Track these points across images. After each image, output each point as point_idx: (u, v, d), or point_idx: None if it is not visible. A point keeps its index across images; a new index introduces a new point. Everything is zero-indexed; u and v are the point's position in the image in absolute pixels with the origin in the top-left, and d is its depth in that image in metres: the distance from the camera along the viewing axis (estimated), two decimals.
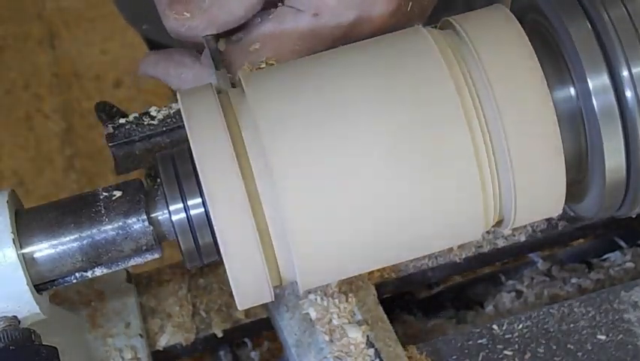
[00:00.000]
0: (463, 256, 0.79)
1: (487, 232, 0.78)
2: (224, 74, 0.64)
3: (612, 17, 0.59)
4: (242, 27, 0.68)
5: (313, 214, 0.57)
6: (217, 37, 0.68)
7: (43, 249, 0.59)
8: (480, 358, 0.70)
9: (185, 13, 0.66)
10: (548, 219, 0.79)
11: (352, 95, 0.58)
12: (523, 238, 0.79)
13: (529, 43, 0.59)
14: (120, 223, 0.59)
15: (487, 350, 0.70)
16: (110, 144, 0.65)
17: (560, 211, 0.62)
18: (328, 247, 0.58)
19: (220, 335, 0.78)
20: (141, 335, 0.75)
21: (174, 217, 0.59)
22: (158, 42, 1.12)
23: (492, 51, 0.59)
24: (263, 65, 0.66)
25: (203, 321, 0.78)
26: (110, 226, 0.59)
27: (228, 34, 0.68)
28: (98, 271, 0.61)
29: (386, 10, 0.65)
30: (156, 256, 0.61)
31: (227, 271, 0.57)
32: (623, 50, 0.58)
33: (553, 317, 0.71)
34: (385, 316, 0.71)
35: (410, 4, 0.66)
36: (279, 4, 0.67)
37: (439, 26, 0.63)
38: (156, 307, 0.78)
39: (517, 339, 0.71)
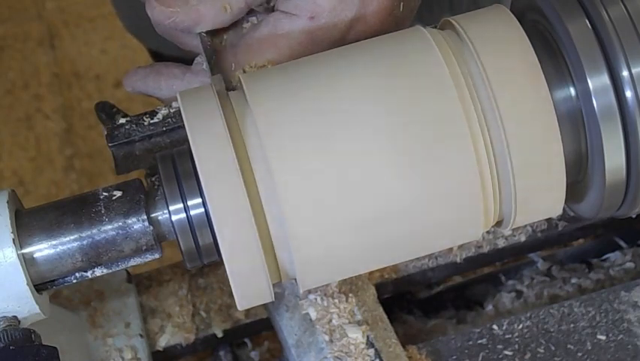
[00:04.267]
0: (463, 256, 0.79)
1: (487, 232, 0.78)
2: (219, 78, 0.64)
3: (612, 17, 0.59)
4: (232, 30, 0.68)
5: (313, 214, 0.57)
6: (212, 39, 0.67)
7: (43, 249, 0.59)
8: (480, 358, 0.70)
9: (171, 7, 0.65)
10: (548, 219, 0.79)
11: (352, 96, 0.58)
12: (523, 238, 0.79)
13: (529, 43, 0.59)
14: (120, 223, 0.59)
15: (487, 350, 0.70)
16: (110, 144, 0.65)
17: (560, 212, 0.62)
18: (328, 248, 0.58)
19: (220, 335, 0.78)
20: (141, 335, 0.75)
21: (174, 217, 0.59)
22: (164, 55, 1.11)
23: (492, 51, 0.59)
24: (253, 64, 0.66)
25: (203, 321, 0.78)
26: (110, 226, 0.59)
27: (215, 35, 0.68)
28: (98, 271, 0.61)
29: (380, 10, 0.65)
30: (156, 256, 0.61)
31: (227, 271, 0.57)
32: (623, 50, 0.58)
33: (553, 317, 0.71)
34: (385, 316, 0.71)
35: (402, 4, 0.66)
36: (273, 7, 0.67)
37: (439, 26, 0.63)
38: (156, 307, 0.78)
39: (517, 339, 0.71)
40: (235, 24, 0.68)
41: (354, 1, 0.64)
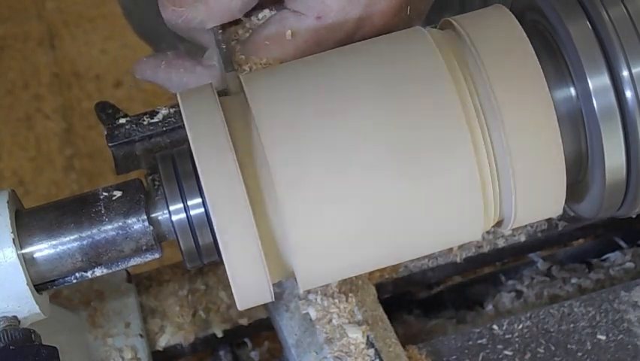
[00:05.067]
0: (463, 256, 0.79)
1: (487, 232, 0.78)
2: (234, 75, 0.64)
3: (612, 17, 0.59)
4: (242, 27, 0.68)
5: (313, 215, 0.57)
6: (224, 35, 0.68)
7: (43, 249, 0.59)
8: (480, 358, 0.70)
9: (182, 6, 0.66)
10: (548, 219, 0.79)
11: (352, 96, 0.58)
12: (523, 238, 0.79)
13: (529, 43, 0.59)
14: (120, 223, 0.59)
15: (487, 350, 0.70)
16: (109, 144, 0.65)
17: (560, 212, 0.62)
18: (328, 248, 0.58)
19: (220, 335, 0.78)
20: (141, 335, 0.75)
21: (174, 217, 0.59)
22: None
23: (492, 51, 0.59)
24: (263, 61, 0.66)
25: (203, 321, 0.78)
26: (110, 226, 0.59)
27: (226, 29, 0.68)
28: (98, 271, 0.61)
29: (387, 11, 0.65)
30: (156, 256, 0.61)
31: (227, 271, 0.57)
32: (623, 50, 0.58)
33: (554, 317, 0.71)
34: (385, 316, 0.71)
35: (409, 7, 0.66)
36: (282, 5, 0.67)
37: (439, 26, 0.63)
38: (156, 307, 0.78)
39: (517, 339, 0.71)
40: (247, 20, 0.68)
41: (361, 1, 0.64)
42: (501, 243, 0.79)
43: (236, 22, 0.68)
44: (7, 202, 0.59)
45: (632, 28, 0.58)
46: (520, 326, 0.71)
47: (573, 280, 0.81)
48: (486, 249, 0.79)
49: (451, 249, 0.78)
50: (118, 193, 0.60)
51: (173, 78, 0.70)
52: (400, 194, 0.57)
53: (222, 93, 0.62)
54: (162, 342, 0.76)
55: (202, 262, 0.61)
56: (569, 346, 0.70)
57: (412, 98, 0.58)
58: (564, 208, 0.62)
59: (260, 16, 0.68)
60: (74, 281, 0.61)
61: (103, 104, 0.67)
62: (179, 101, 0.59)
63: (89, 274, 0.61)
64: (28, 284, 0.59)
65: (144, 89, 1.77)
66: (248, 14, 0.68)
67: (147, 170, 0.63)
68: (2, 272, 0.58)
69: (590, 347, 0.70)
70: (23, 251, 0.59)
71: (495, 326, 0.71)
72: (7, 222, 0.58)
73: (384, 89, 0.58)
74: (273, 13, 0.68)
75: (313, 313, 0.68)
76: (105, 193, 0.60)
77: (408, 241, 0.60)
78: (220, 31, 0.67)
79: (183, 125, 0.58)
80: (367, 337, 0.66)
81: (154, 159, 0.61)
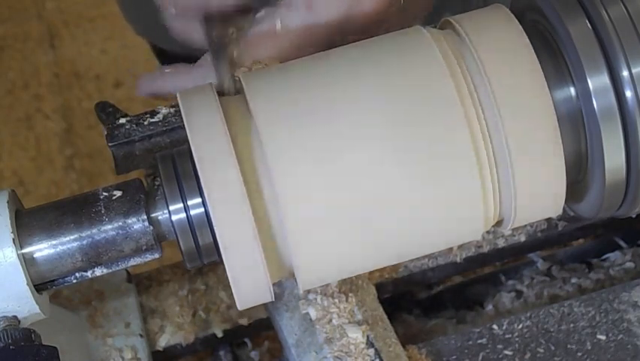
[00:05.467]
0: (463, 256, 0.79)
1: (487, 232, 0.78)
2: (228, 77, 0.64)
3: (612, 17, 0.59)
4: (237, 26, 0.68)
5: (313, 215, 0.57)
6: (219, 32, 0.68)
7: (43, 249, 0.59)
8: (480, 358, 0.70)
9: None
10: (548, 219, 0.79)
11: (352, 96, 0.58)
12: (523, 238, 0.79)
13: (529, 43, 0.59)
14: (120, 223, 0.59)
15: (487, 350, 0.70)
16: (109, 144, 0.65)
17: (560, 211, 0.62)
18: (328, 248, 0.58)
19: (220, 335, 0.78)
20: (141, 335, 0.75)
21: (174, 217, 0.59)
22: (166, 51, 1.12)
23: (492, 51, 0.59)
24: (259, 61, 0.66)
25: (203, 321, 0.78)
26: (110, 226, 0.59)
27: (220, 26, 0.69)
28: (98, 271, 0.61)
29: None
30: (156, 256, 0.61)
31: (227, 271, 0.57)
32: (623, 50, 0.58)
33: (554, 317, 0.71)
34: (385, 316, 0.71)
35: None
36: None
37: (439, 26, 0.63)
38: (156, 307, 0.78)
39: (517, 339, 0.71)
40: (241, 20, 0.68)
41: None
42: (501, 243, 0.79)
43: (230, 24, 0.68)
44: (7, 202, 0.59)
45: (632, 28, 0.58)
46: (520, 326, 0.71)
47: (573, 280, 0.81)
48: (486, 249, 0.79)
49: (451, 249, 0.78)
50: (118, 193, 0.60)
51: (169, 85, 0.70)
52: (400, 194, 0.57)
53: (219, 94, 0.62)
54: (162, 342, 0.76)
55: (202, 262, 0.61)
56: (569, 346, 0.70)
57: (412, 99, 0.58)
58: (564, 208, 0.62)
59: (257, 16, 0.68)
60: (74, 281, 0.61)
61: (103, 104, 0.67)
62: (179, 101, 0.59)
63: (89, 274, 0.61)
64: (28, 284, 0.59)
65: None
66: (243, 15, 0.68)
67: (147, 170, 0.63)
68: (2, 272, 0.58)
69: (590, 347, 0.70)
70: (23, 251, 0.59)
71: (495, 326, 0.71)
72: (7, 223, 0.58)
73: (384, 89, 0.58)
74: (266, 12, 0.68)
75: (313, 313, 0.68)
76: (105, 193, 0.60)
77: (408, 241, 0.60)
78: (215, 32, 0.67)
79: (183, 125, 0.58)
80: (367, 337, 0.66)
81: (154, 159, 0.61)
